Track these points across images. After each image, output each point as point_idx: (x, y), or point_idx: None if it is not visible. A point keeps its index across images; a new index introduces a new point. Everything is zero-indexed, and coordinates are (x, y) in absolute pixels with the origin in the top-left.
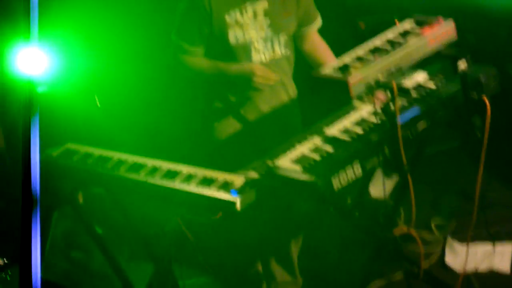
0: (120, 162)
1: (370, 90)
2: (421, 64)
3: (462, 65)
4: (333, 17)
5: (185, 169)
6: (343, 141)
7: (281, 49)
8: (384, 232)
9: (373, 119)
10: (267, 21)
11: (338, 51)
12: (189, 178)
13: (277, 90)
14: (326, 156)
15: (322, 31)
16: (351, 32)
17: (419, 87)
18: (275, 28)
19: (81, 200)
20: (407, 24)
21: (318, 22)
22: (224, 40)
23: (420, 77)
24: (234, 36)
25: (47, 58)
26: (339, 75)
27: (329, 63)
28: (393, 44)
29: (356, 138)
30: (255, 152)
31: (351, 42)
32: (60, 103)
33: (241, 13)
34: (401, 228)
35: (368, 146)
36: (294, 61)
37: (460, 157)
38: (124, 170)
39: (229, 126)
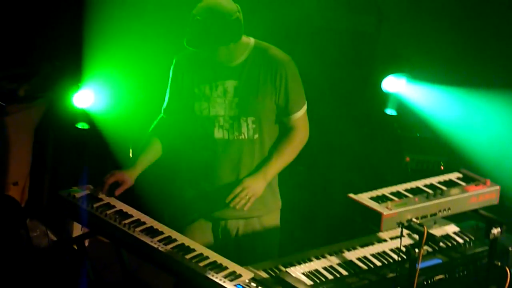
0: (138, 222)
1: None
2: (455, 216)
3: (495, 231)
4: (384, 148)
5: (199, 248)
6: (359, 269)
7: (248, 132)
8: None
9: (394, 256)
10: (236, 101)
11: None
12: (201, 258)
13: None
14: (338, 278)
15: (369, 154)
16: (395, 162)
17: (446, 238)
18: (244, 109)
19: (86, 243)
20: (454, 176)
21: (299, 113)
22: (190, 110)
23: (451, 229)
24: (199, 107)
25: (95, 95)
26: (375, 205)
27: (368, 192)
28: (435, 190)
29: (372, 269)
30: None
31: (393, 172)
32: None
33: (210, 88)
34: None
35: (382, 281)
36: (268, 143)
37: None
38: (138, 231)
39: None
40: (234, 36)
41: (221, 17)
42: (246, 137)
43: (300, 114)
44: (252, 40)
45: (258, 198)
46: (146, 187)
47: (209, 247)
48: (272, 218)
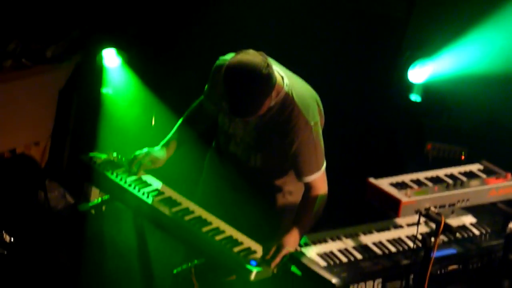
0: (157, 192)
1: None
2: (474, 208)
3: None
4: (406, 134)
5: (216, 222)
6: (374, 253)
7: (255, 162)
8: None
9: (410, 243)
10: (253, 134)
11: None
12: (217, 232)
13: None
14: (352, 262)
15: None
16: (417, 149)
17: (463, 229)
18: (258, 145)
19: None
20: (475, 167)
21: (312, 176)
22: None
23: (468, 220)
24: (222, 120)
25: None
26: (394, 192)
27: (388, 178)
28: (455, 180)
29: (387, 255)
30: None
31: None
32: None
33: None
34: None
35: (395, 267)
36: (279, 181)
37: None
38: (157, 200)
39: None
40: (268, 91)
41: (257, 82)
42: (253, 166)
43: (315, 177)
44: (285, 86)
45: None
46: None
47: None
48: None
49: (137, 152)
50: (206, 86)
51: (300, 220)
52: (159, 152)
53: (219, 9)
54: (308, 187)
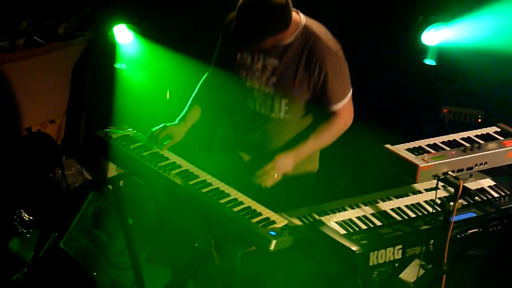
0: (174, 165)
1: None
2: (492, 170)
3: None
4: (421, 99)
5: (234, 193)
6: (393, 220)
7: (279, 112)
8: None
9: (429, 208)
10: (273, 80)
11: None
12: (235, 203)
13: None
14: (372, 228)
15: (406, 104)
16: (433, 113)
17: (482, 192)
18: (278, 90)
19: (121, 183)
20: (492, 130)
21: (340, 104)
22: (232, 73)
23: (486, 183)
24: (238, 74)
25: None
26: (411, 157)
27: (404, 144)
28: (472, 144)
29: (406, 220)
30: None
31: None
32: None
33: (252, 59)
34: None
35: (415, 233)
36: (301, 125)
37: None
38: (174, 173)
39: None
40: (281, 26)
41: (267, 7)
42: (277, 116)
43: (342, 104)
44: (303, 21)
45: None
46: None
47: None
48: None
49: (154, 129)
50: (218, 43)
51: (309, 140)
52: (176, 126)
53: None
54: (336, 115)
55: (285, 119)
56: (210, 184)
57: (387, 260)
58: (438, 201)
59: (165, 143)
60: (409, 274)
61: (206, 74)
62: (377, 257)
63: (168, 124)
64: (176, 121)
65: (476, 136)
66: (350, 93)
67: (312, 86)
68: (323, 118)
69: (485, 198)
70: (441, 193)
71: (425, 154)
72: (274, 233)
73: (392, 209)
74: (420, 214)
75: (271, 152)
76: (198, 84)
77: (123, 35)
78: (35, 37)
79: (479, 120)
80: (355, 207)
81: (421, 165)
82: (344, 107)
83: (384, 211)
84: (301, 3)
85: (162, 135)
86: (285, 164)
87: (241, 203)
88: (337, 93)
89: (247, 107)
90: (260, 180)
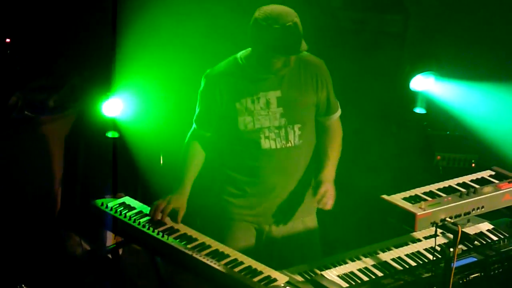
0: (171, 230)
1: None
2: (489, 214)
3: None
4: (414, 147)
5: (234, 254)
6: (394, 270)
7: (294, 139)
8: None
9: (429, 256)
10: (280, 111)
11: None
12: (236, 263)
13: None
14: (373, 280)
15: (399, 154)
16: (426, 161)
17: (481, 236)
18: (289, 117)
19: (120, 252)
20: (486, 174)
21: (338, 113)
22: (233, 126)
23: (485, 227)
24: (243, 122)
25: (125, 104)
26: (408, 206)
27: (401, 193)
28: (468, 189)
29: (408, 269)
30: None
31: (424, 171)
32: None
33: (252, 102)
34: None
35: (418, 281)
36: (313, 146)
37: None
38: (172, 238)
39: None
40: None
41: (298, 20)
42: (293, 144)
43: (338, 114)
44: None
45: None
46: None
47: (251, 250)
48: (312, 219)
49: (156, 202)
50: (201, 109)
51: (331, 156)
52: (179, 196)
53: None
54: (330, 126)
55: (300, 145)
56: (210, 246)
57: None
58: (438, 248)
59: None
60: None
61: (190, 135)
62: None
63: (171, 195)
64: (177, 189)
65: (471, 180)
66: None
67: (316, 101)
68: (322, 134)
69: (484, 242)
70: (441, 239)
71: (422, 202)
72: None
73: (393, 259)
74: (421, 262)
75: (291, 180)
76: (187, 148)
77: (113, 106)
78: (26, 112)
79: (473, 165)
80: (355, 259)
81: (418, 214)
82: (338, 117)
83: (385, 262)
84: None
85: (168, 209)
86: (332, 185)
87: (242, 263)
88: (336, 102)
89: (260, 149)
90: (322, 205)
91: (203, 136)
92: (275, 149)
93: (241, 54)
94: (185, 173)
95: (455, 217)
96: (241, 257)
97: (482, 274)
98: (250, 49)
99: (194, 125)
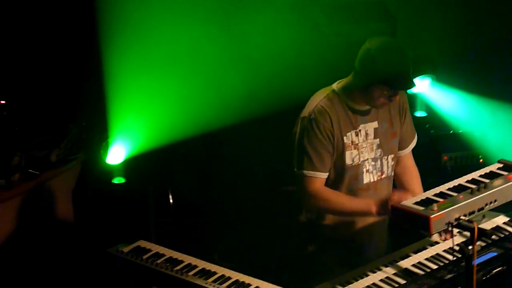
0: (190, 267)
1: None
2: (504, 207)
3: None
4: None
5: (255, 282)
6: (416, 275)
7: (387, 170)
8: None
9: (449, 256)
10: (377, 142)
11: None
12: None
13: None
14: None
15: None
16: (434, 163)
17: (498, 230)
18: (384, 149)
19: None
20: (495, 167)
21: (414, 143)
22: (341, 160)
23: (500, 220)
24: (350, 157)
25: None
26: (420, 210)
27: (412, 197)
28: (478, 184)
29: (430, 273)
30: None
31: (432, 173)
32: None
33: (356, 134)
34: None
35: (441, 283)
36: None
37: None
38: (192, 274)
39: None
40: None
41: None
42: (386, 175)
43: (415, 143)
44: None
45: None
46: None
47: None
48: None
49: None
50: (315, 151)
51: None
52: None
53: None
54: (409, 156)
55: (390, 176)
56: (229, 278)
57: None
58: (457, 248)
59: None
60: None
61: (313, 185)
62: None
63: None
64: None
65: (481, 176)
66: None
67: (401, 130)
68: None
69: (502, 235)
70: (458, 239)
71: (434, 204)
72: None
73: (413, 265)
74: (442, 264)
75: None
76: (324, 198)
77: (115, 153)
78: (29, 170)
79: (481, 160)
80: (376, 270)
81: (432, 216)
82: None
83: (406, 269)
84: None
85: None
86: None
87: None
88: (413, 129)
89: (361, 184)
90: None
91: (323, 180)
92: (373, 182)
93: (336, 86)
94: (351, 200)
95: (469, 214)
96: (262, 285)
97: (505, 267)
98: (345, 80)
99: (308, 173)
